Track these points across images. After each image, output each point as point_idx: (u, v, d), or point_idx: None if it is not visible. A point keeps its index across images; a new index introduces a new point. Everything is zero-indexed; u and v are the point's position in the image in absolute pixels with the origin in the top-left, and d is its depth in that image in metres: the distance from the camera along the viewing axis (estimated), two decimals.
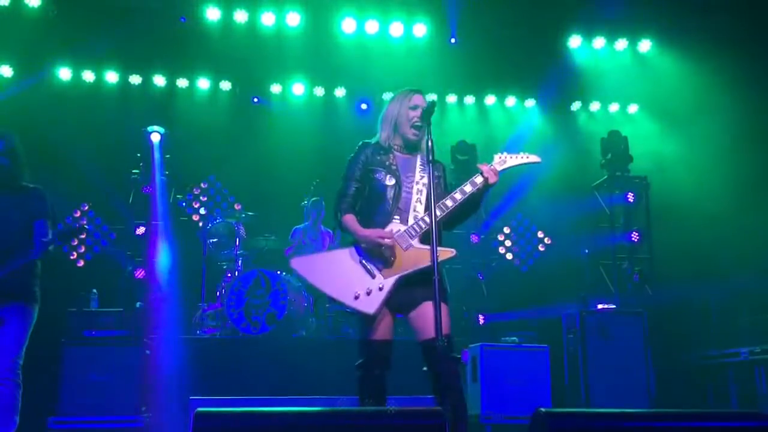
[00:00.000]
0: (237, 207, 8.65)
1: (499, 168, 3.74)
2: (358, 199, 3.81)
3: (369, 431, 2.32)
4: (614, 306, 7.45)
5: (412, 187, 3.75)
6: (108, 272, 7.98)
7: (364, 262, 3.63)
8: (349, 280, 3.59)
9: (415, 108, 3.85)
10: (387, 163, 3.81)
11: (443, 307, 3.46)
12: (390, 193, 3.74)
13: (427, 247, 3.49)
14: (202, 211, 8.70)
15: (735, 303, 7.84)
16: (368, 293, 3.55)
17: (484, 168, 3.72)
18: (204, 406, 2.37)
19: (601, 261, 8.50)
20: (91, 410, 6.06)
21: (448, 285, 3.71)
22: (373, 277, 3.59)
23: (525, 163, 3.82)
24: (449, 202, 3.66)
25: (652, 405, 6.84)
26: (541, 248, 9.64)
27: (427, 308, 3.55)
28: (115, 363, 6.22)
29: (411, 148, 3.88)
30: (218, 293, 7.20)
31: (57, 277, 8.09)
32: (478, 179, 3.71)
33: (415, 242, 3.63)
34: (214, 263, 7.63)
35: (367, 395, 3.63)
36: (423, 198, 3.70)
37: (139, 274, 7.65)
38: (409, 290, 3.57)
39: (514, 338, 7.04)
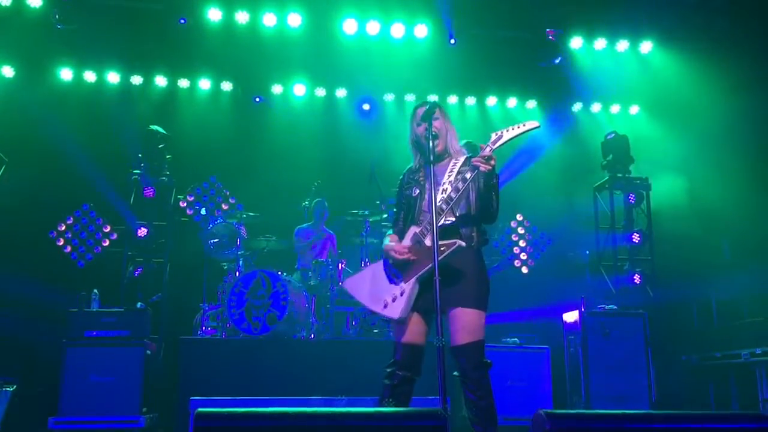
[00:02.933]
0: (238, 207, 8.69)
1: (495, 146, 3.70)
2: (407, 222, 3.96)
3: (367, 431, 2.32)
4: (615, 307, 7.46)
5: (438, 190, 3.77)
6: (109, 273, 7.98)
7: (390, 271, 3.76)
8: (379, 291, 3.75)
9: (421, 123, 3.90)
10: (416, 177, 3.95)
11: (469, 312, 3.60)
12: (415, 203, 3.87)
13: (438, 242, 3.54)
14: (203, 211, 8.69)
15: (736, 304, 7.84)
16: (393, 300, 3.67)
17: (478, 156, 3.68)
18: (204, 406, 2.37)
19: (602, 262, 8.50)
20: (91, 410, 6.08)
21: (476, 287, 3.70)
22: (396, 283, 3.71)
23: (523, 132, 3.72)
24: (453, 194, 3.69)
25: (652, 406, 6.84)
26: (542, 249, 9.63)
27: (453, 314, 3.63)
28: (116, 363, 6.24)
29: (437, 157, 3.89)
30: (219, 294, 7.20)
31: (58, 277, 8.16)
32: (476, 162, 3.68)
33: (427, 240, 3.67)
34: (215, 264, 7.63)
35: (387, 397, 3.66)
36: (445, 197, 3.71)
37: (138, 273, 7.66)
38: (441, 293, 3.49)
39: (515, 339, 7.05)
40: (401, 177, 4.08)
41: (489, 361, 3.64)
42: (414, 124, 3.95)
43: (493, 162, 3.62)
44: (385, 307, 3.67)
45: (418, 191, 3.88)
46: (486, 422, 3.57)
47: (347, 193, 8.40)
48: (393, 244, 3.79)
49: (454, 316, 3.63)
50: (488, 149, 3.67)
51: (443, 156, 3.91)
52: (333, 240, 8.13)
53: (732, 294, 7.86)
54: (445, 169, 3.84)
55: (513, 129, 3.74)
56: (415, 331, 3.70)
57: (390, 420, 2.36)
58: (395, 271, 3.72)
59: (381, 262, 3.84)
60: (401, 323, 3.67)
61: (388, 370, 3.72)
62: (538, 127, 3.76)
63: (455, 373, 3.62)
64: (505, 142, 3.73)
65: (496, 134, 3.75)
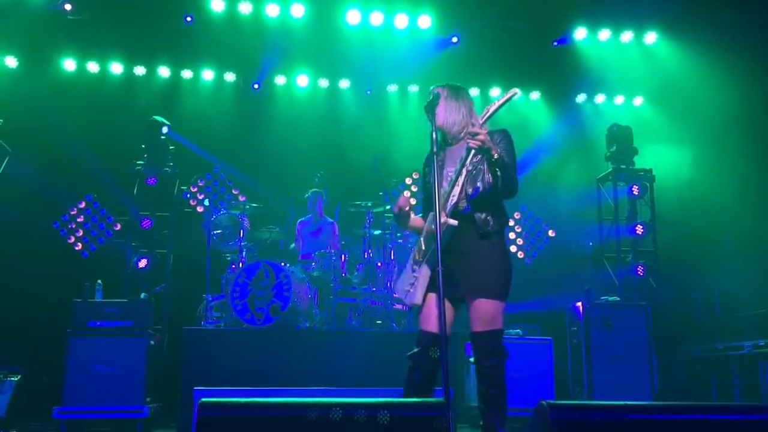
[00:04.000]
0: (241, 198, 8.71)
1: (482, 120, 3.67)
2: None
3: (372, 422, 2.33)
4: (618, 299, 7.45)
5: (452, 175, 3.75)
6: (113, 263, 8.00)
7: (412, 259, 3.81)
8: (405, 280, 3.83)
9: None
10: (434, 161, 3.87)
11: (485, 303, 3.59)
12: (433, 188, 3.75)
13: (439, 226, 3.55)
14: (207, 202, 8.71)
15: (739, 296, 7.84)
16: (411, 286, 3.73)
17: (468, 133, 3.66)
18: (208, 396, 2.38)
19: (605, 254, 8.50)
20: (95, 400, 6.09)
21: (492, 275, 3.67)
22: (413, 270, 3.76)
23: (506, 101, 3.64)
24: (454, 176, 3.70)
25: (654, 398, 6.85)
26: (545, 241, 9.63)
27: (470, 303, 3.65)
28: (119, 354, 6.25)
29: (453, 140, 3.89)
30: (222, 284, 7.21)
31: (62, 267, 8.18)
32: (469, 143, 3.63)
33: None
34: (219, 255, 7.64)
35: (411, 387, 3.64)
36: (460, 181, 3.69)
37: (142, 263, 7.68)
38: (456, 281, 3.53)
39: (518, 330, 7.05)
40: (424, 161, 4.03)
41: (505, 351, 3.63)
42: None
43: (480, 137, 3.52)
44: (407, 294, 3.76)
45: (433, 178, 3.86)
46: (491, 411, 3.57)
47: (350, 184, 8.40)
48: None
49: (471, 305, 3.64)
50: (476, 125, 3.63)
51: (459, 138, 3.85)
52: (334, 228, 8.14)
53: (735, 286, 7.86)
54: (459, 151, 3.79)
55: (497, 102, 3.69)
56: (434, 318, 3.64)
57: (393, 410, 2.37)
58: (415, 257, 3.78)
59: (411, 254, 3.89)
60: (423, 310, 3.68)
61: (411, 360, 3.69)
62: (518, 93, 3.70)
63: (471, 359, 3.64)
64: (491, 114, 3.69)
65: (485, 109, 3.73)
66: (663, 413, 2.47)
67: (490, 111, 3.66)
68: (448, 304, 3.66)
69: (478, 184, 3.68)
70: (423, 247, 3.73)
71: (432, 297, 3.64)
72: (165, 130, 7.93)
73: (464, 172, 3.69)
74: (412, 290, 3.70)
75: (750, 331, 7.16)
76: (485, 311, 3.60)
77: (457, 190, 3.67)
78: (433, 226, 3.57)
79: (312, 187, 8.09)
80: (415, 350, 3.68)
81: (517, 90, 3.65)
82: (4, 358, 6.64)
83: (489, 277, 3.64)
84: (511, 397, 6.48)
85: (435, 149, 3.59)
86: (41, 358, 7.02)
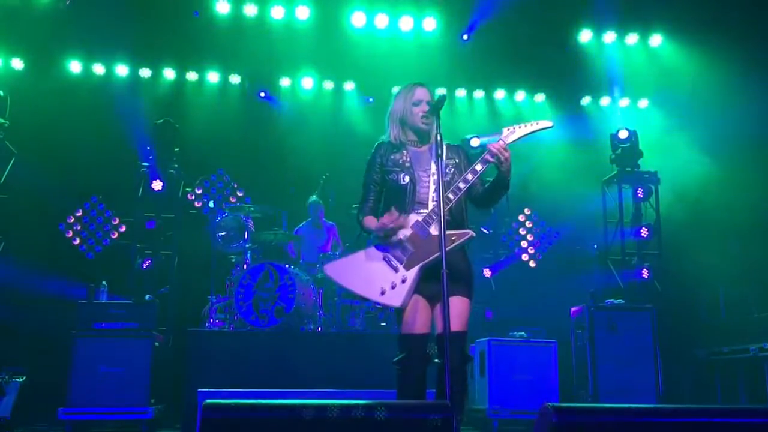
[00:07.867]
0: (246, 200, 8.72)
1: (509, 141, 3.64)
2: (379, 203, 3.84)
3: (375, 423, 2.33)
4: (623, 301, 7.44)
5: (429, 179, 3.72)
6: (118, 265, 8.02)
7: (386, 257, 3.63)
8: (374, 277, 3.60)
9: (418, 103, 3.83)
10: (401, 161, 3.79)
11: (465, 301, 3.60)
12: (407, 191, 3.73)
13: (446, 232, 3.52)
14: (211, 204, 8.71)
15: (744, 299, 7.82)
16: (393, 287, 3.56)
17: (490, 147, 3.62)
18: (212, 398, 2.38)
19: (610, 256, 8.48)
20: (100, 401, 6.12)
21: (473, 279, 3.72)
22: (396, 270, 3.59)
23: (537, 131, 3.68)
24: (462, 184, 3.62)
25: (659, 400, 6.83)
26: (549, 243, 9.62)
27: (449, 301, 3.51)
28: (124, 355, 6.28)
29: (423, 138, 3.86)
30: (227, 286, 7.22)
31: (67, 269, 8.20)
32: (488, 156, 3.63)
33: (433, 229, 3.59)
34: (223, 256, 7.65)
35: (406, 392, 3.59)
36: (452, 188, 3.65)
37: (147, 265, 7.68)
38: (438, 282, 3.42)
39: (522, 333, 7.04)
40: (375, 148, 3.90)
41: (471, 355, 3.69)
42: (408, 103, 3.84)
43: (507, 154, 3.57)
44: (383, 294, 3.55)
45: (408, 179, 3.74)
46: (458, 411, 3.53)
47: (355, 186, 8.37)
48: (385, 216, 3.63)
49: (450, 303, 3.49)
50: (502, 142, 3.61)
51: (429, 138, 3.83)
52: (334, 231, 8.14)
53: (740, 288, 7.84)
54: (427, 154, 3.78)
55: (527, 126, 3.68)
56: (424, 321, 3.62)
57: (397, 412, 2.36)
58: (396, 257, 3.61)
59: (373, 248, 3.70)
60: (409, 314, 3.59)
61: (401, 365, 3.62)
62: (552, 126, 3.71)
63: (436, 360, 3.49)
64: (518, 138, 3.67)
65: (509, 129, 3.69)
66: (668, 416, 2.46)
67: (518, 134, 3.65)
68: (428, 305, 3.65)
69: (459, 185, 3.65)
70: (411, 249, 3.60)
71: (416, 299, 3.59)
72: (160, 121, 7.91)
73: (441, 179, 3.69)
74: (394, 291, 3.54)
75: (755, 334, 7.14)
76: (464, 309, 3.61)
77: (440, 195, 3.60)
78: (433, 231, 3.56)
79: (316, 190, 8.10)
80: (402, 356, 3.61)
81: (551, 123, 3.68)
82: (9, 359, 6.66)
83: (468, 277, 3.71)
84: (516, 400, 6.58)
85: (440, 151, 3.57)
86: (46, 359, 7.03)
